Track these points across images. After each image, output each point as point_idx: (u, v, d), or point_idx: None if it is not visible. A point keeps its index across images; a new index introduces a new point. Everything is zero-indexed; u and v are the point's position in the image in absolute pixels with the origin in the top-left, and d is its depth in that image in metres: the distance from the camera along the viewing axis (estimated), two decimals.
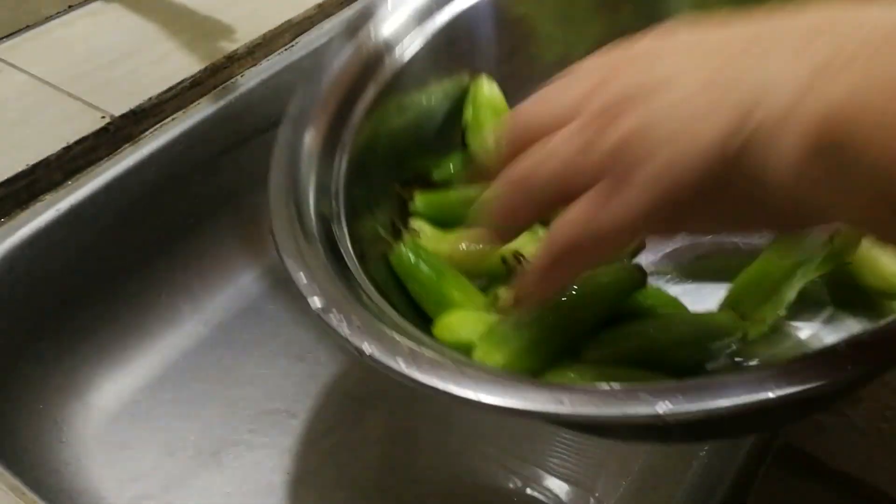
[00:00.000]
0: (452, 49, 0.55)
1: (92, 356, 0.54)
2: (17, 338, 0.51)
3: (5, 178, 0.52)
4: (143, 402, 0.54)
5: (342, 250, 0.43)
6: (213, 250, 0.61)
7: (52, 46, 0.64)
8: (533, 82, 0.56)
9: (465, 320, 0.46)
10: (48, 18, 0.67)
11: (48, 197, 0.53)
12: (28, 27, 0.66)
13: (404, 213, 0.53)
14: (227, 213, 0.61)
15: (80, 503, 0.49)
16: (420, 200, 0.53)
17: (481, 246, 0.49)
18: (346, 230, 0.45)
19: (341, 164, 0.48)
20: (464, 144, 0.55)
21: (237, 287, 0.61)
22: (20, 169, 0.53)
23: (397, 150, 0.53)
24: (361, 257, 0.44)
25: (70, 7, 0.68)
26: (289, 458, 0.51)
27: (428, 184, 0.54)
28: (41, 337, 0.53)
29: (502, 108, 0.56)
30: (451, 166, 0.55)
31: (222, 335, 0.58)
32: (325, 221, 0.44)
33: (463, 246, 0.51)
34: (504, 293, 0.47)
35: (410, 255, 0.48)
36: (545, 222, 0.52)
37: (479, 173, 0.38)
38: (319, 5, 0.67)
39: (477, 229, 0.49)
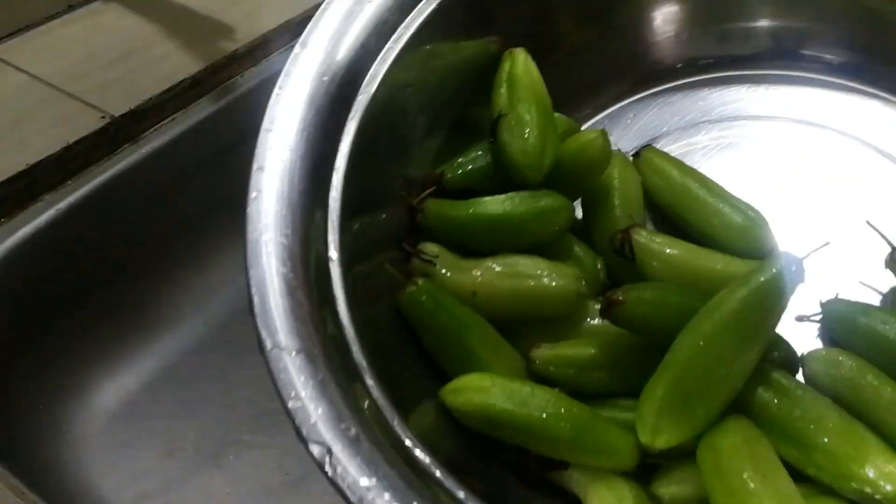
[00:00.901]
0: (471, 9, 0.48)
1: (92, 356, 0.54)
2: (18, 337, 0.51)
3: (5, 178, 0.52)
4: (143, 402, 0.54)
5: (334, 286, 0.37)
6: (214, 250, 0.60)
7: (52, 46, 0.64)
8: (557, 57, 0.51)
9: (481, 384, 0.38)
10: (48, 18, 0.67)
11: (48, 197, 0.53)
12: (28, 27, 0.66)
13: (413, 228, 0.45)
14: (228, 212, 0.61)
15: (80, 503, 0.49)
16: (432, 212, 0.44)
17: (525, 269, 0.42)
18: (339, 261, 0.38)
19: (335, 168, 0.40)
20: (492, 135, 0.46)
21: (237, 287, 0.60)
22: (20, 169, 0.53)
23: (402, 136, 0.45)
24: (358, 302, 0.38)
25: (70, 7, 0.68)
26: (289, 458, 0.50)
27: (442, 189, 0.46)
28: (41, 336, 0.52)
29: (541, 90, 0.47)
30: (470, 166, 0.46)
31: (222, 335, 0.58)
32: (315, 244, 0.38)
33: (488, 278, 0.42)
34: (541, 349, 0.41)
35: (425, 299, 0.40)
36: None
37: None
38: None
39: (521, 254, 0.41)
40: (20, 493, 0.42)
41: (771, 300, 0.37)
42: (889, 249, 0.45)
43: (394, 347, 0.41)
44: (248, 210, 0.37)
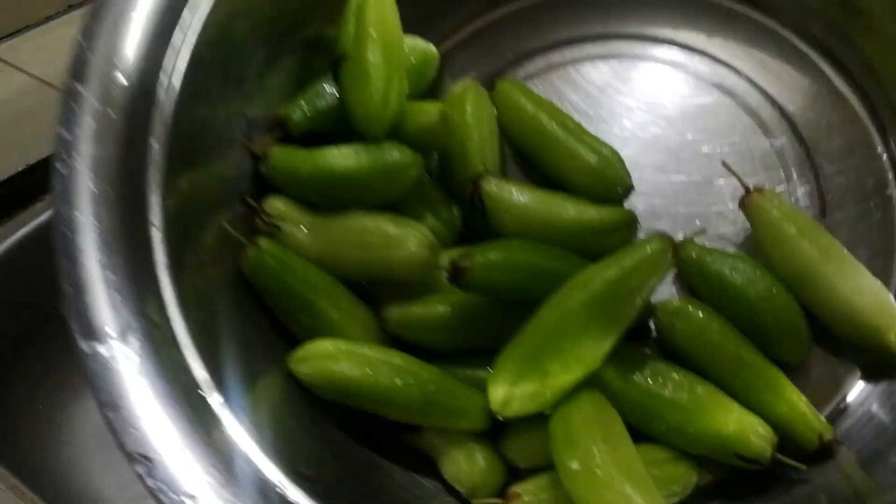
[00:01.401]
0: None
1: None
2: (18, 337, 0.51)
3: (5, 178, 0.53)
4: None
5: (158, 262, 0.32)
6: None
7: (52, 46, 0.64)
8: None
9: (328, 351, 0.36)
10: (48, 18, 0.67)
11: (48, 197, 0.53)
12: (28, 27, 0.66)
13: (259, 178, 0.40)
14: None
15: (79, 503, 0.49)
16: (277, 161, 0.39)
17: (370, 237, 0.39)
18: (165, 230, 0.33)
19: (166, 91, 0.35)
20: (335, 78, 0.41)
21: None
22: (20, 169, 0.53)
23: (237, 71, 0.39)
24: (193, 272, 0.33)
25: (70, 7, 0.68)
26: None
27: (287, 134, 0.41)
28: (41, 336, 0.52)
29: (392, 24, 0.41)
30: (315, 107, 0.41)
31: None
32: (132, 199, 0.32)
33: (333, 247, 0.39)
34: (395, 310, 0.39)
35: (269, 261, 0.37)
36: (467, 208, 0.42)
37: None
38: None
39: (368, 215, 0.38)
40: (20, 493, 0.42)
41: (639, 282, 0.36)
42: (744, 191, 0.41)
43: (240, 315, 0.37)
44: (54, 184, 0.31)
